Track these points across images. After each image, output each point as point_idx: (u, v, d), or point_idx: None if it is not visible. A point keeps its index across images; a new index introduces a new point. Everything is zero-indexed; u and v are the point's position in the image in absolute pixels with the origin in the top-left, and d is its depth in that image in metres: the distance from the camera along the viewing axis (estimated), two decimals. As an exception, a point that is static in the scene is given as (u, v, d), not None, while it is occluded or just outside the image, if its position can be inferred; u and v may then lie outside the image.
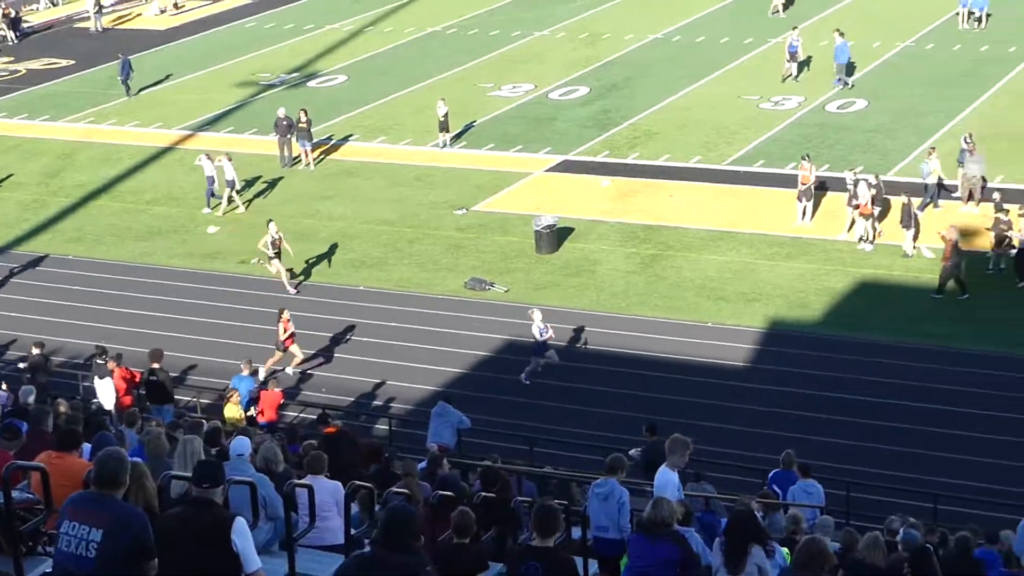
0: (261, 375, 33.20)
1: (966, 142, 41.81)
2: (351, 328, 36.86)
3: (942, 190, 41.49)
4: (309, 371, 35.03)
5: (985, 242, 38.16)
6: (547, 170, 47.39)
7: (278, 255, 38.68)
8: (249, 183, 47.26)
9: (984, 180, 41.05)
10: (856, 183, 39.62)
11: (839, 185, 40.88)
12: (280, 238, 38.65)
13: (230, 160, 45.14)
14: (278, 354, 34.42)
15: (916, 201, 39.10)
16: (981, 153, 41.24)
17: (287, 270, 39.34)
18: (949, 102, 50.38)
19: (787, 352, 34.47)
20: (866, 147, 46.65)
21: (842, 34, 53.28)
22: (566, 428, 31.08)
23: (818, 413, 31.44)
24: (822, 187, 42.07)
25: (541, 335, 33.00)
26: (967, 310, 35.91)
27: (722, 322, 36.16)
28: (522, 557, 12.87)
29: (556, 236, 40.88)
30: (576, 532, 17.63)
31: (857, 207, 39.41)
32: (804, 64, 54.41)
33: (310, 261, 40.97)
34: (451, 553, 13.66)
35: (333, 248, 41.99)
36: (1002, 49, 56.03)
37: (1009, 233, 37.11)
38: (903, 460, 29.39)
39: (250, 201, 46.00)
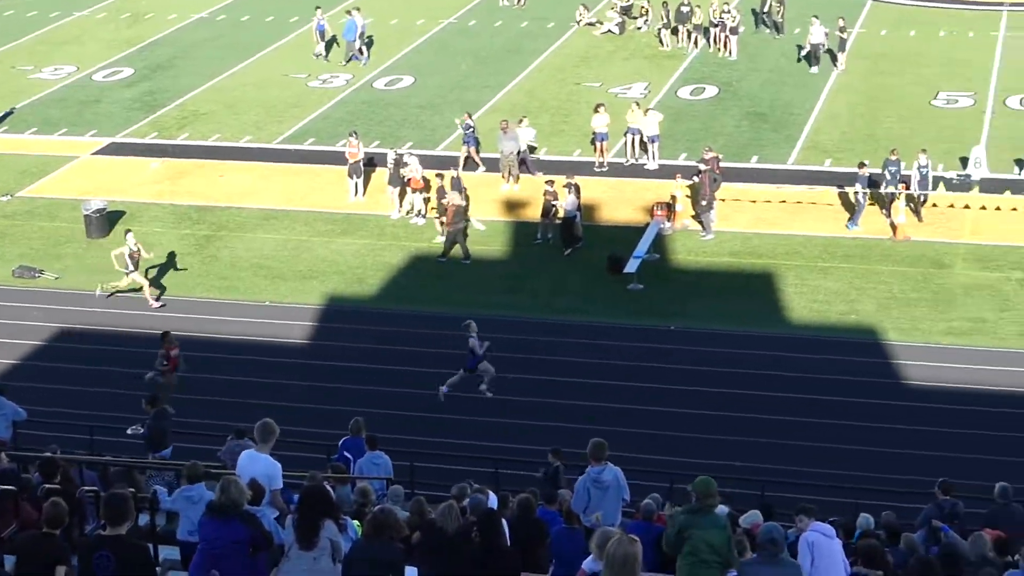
0: None
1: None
2: None
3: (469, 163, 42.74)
4: None
5: (533, 212, 39.35)
6: (94, 153, 46.33)
7: (136, 268, 36.04)
8: None
9: (519, 156, 42.09)
10: (399, 159, 40.17)
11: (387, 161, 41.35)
12: (139, 250, 35.93)
13: None
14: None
15: (465, 175, 39.88)
16: (514, 130, 42.24)
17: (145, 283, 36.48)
18: (494, 77, 51.65)
19: (346, 328, 34.78)
20: (414, 123, 47.33)
21: (349, 12, 54.12)
22: (123, 415, 30.40)
23: (379, 386, 31.79)
24: (371, 163, 42.49)
25: (479, 348, 31.22)
26: (518, 280, 36.99)
27: (279, 300, 36.19)
28: (93, 547, 12.63)
29: (107, 220, 40.09)
30: (144, 518, 17.43)
31: (408, 182, 40.01)
32: (332, 42, 54.66)
33: None
34: (36, 543, 13.23)
35: None
36: (541, 25, 57.71)
37: (555, 203, 38.31)
38: (465, 429, 30.08)
39: None
